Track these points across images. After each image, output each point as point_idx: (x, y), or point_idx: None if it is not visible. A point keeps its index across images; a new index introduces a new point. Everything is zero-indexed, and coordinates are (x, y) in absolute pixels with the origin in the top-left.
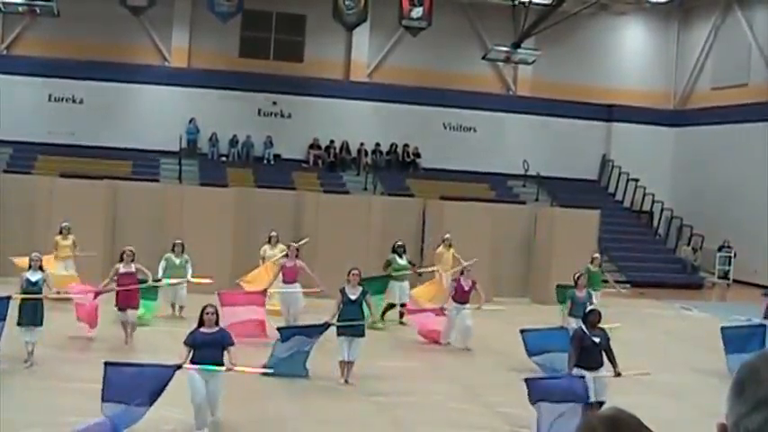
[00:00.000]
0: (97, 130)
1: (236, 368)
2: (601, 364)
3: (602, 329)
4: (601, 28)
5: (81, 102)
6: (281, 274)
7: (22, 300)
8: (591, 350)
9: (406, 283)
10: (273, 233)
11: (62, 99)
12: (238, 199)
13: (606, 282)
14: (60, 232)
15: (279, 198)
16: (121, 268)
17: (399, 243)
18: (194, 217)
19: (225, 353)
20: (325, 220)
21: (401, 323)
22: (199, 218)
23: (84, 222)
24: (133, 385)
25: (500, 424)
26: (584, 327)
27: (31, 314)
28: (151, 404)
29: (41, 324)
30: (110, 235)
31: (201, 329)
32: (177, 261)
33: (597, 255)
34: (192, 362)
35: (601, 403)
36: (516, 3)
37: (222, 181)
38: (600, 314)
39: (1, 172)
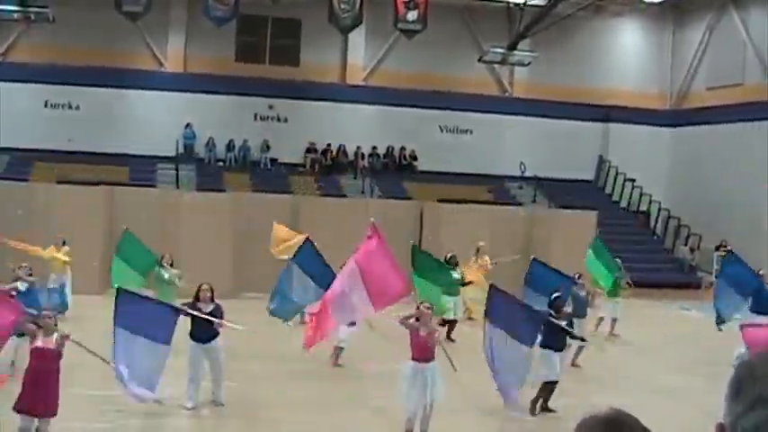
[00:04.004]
0: (94, 136)
1: (226, 324)
2: (566, 346)
3: (568, 314)
4: (596, 29)
5: (77, 108)
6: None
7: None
8: (558, 333)
9: (459, 298)
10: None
11: (58, 105)
12: (236, 203)
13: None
14: (57, 245)
15: (276, 202)
16: (39, 340)
17: (451, 254)
18: (192, 222)
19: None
20: (323, 223)
21: (450, 340)
22: (196, 222)
23: (81, 229)
24: (141, 318)
25: (498, 429)
26: (552, 312)
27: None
28: (159, 340)
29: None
30: (108, 241)
31: (199, 304)
32: (166, 275)
33: (618, 260)
34: (191, 336)
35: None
36: (511, 5)
37: (219, 185)
38: (564, 301)
39: None
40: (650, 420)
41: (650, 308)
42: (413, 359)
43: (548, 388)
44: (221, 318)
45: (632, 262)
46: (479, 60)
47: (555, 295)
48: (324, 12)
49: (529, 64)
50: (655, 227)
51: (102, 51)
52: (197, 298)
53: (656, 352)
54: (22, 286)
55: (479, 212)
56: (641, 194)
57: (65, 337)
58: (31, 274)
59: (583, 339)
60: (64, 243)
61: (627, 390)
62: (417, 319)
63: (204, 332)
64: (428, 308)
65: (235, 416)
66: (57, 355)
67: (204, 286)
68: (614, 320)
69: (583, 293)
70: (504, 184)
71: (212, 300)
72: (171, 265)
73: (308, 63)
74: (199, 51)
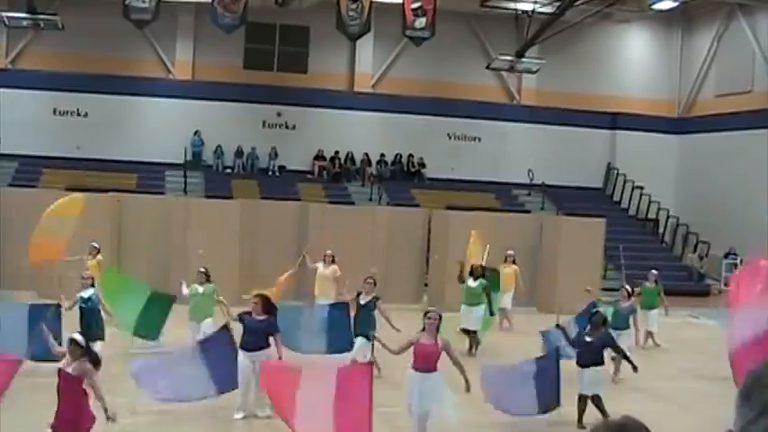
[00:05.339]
0: (102, 143)
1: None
2: (592, 363)
3: (605, 332)
4: (604, 36)
5: (86, 115)
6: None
7: (81, 316)
8: (582, 348)
9: (478, 309)
10: (329, 251)
11: (67, 112)
12: (243, 211)
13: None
14: (90, 253)
15: (284, 209)
16: (63, 362)
17: (476, 265)
18: (199, 229)
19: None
20: (330, 231)
21: (471, 354)
22: (204, 230)
23: (89, 236)
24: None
25: None
26: (588, 328)
27: (92, 328)
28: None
29: (102, 338)
30: (115, 248)
31: (252, 315)
32: (201, 289)
33: (654, 271)
34: (241, 346)
35: (593, 396)
36: (519, 12)
37: (227, 193)
38: (603, 316)
39: (6, 186)
40: (659, 427)
41: (657, 315)
42: (413, 368)
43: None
44: (277, 331)
45: (640, 269)
46: (487, 68)
47: (594, 310)
48: (332, 19)
49: (537, 71)
50: (663, 234)
51: (111, 59)
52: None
53: (664, 359)
54: (86, 294)
55: (487, 220)
56: (650, 202)
57: (87, 372)
58: (92, 284)
59: (622, 353)
60: (98, 251)
61: (636, 397)
62: (423, 328)
63: (254, 342)
64: (431, 318)
65: (243, 421)
66: (74, 379)
67: (254, 299)
68: (649, 333)
69: (625, 305)
70: (512, 192)
71: (263, 312)
72: (208, 281)
73: (317, 70)
74: (207, 59)
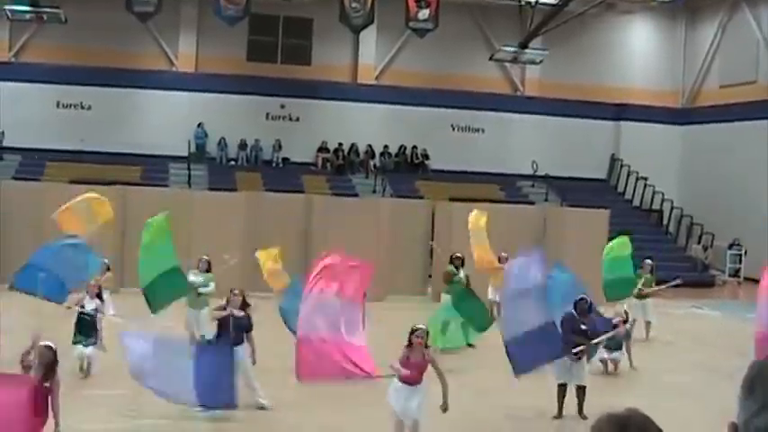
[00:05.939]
0: (106, 136)
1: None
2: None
3: (593, 320)
4: (608, 27)
5: (89, 108)
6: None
7: (80, 322)
8: (579, 336)
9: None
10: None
11: (70, 105)
12: (247, 203)
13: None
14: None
15: (288, 201)
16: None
17: (457, 255)
18: (203, 221)
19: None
20: (334, 223)
21: (469, 345)
22: (208, 222)
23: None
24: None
25: (511, 429)
26: (574, 313)
27: (90, 334)
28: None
29: (96, 344)
30: (119, 241)
31: (228, 307)
32: (199, 279)
33: (649, 261)
34: (217, 340)
35: (581, 387)
36: (523, 3)
37: (231, 185)
38: (589, 302)
39: (10, 179)
40: (663, 419)
41: (663, 306)
42: (401, 381)
43: (558, 390)
44: (251, 328)
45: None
46: (491, 59)
47: (580, 297)
48: (335, 11)
49: (540, 62)
50: (668, 225)
51: (114, 51)
52: (227, 302)
53: (668, 351)
54: (89, 305)
55: (491, 211)
56: (654, 193)
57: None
58: (98, 294)
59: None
60: (108, 269)
61: (641, 389)
62: (410, 344)
63: (231, 337)
64: (419, 336)
65: (249, 417)
66: (47, 389)
67: (236, 291)
68: (648, 323)
69: (622, 332)
70: (516, 183)
71: (243, 308)
72: (207, 270)
73: (320, 62)
74: (210, 51)
